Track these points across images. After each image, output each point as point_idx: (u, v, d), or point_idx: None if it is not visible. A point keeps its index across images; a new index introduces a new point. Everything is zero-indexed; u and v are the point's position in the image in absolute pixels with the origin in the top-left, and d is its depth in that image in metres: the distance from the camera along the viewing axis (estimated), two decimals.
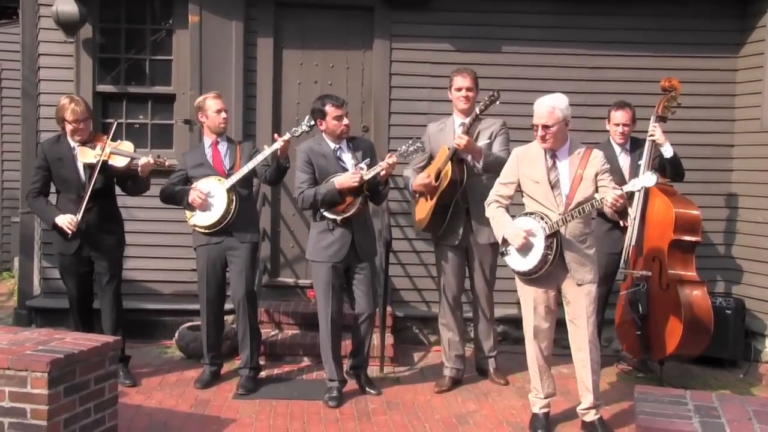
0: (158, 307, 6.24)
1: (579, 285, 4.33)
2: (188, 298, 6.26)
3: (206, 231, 5.09)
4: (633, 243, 5.20)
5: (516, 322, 6.35)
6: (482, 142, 4.99)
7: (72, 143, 4.99)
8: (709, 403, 2.86)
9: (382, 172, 4.73)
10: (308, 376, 5.46)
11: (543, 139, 4.25)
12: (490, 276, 5.24)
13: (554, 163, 4.31)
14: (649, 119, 5.41)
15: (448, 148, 4.94)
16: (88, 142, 4.97)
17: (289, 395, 5.01)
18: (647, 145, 5.31)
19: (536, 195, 4.33)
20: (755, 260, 6.12)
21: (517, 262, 4.35)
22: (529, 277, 4.35)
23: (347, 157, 4.93)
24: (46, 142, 5.15)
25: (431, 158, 5.15)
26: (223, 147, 5.19)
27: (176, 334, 5.88)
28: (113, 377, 3.80)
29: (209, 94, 5.22)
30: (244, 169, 4.98)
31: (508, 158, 4.57)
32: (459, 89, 5.08)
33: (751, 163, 6.22)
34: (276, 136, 4.99)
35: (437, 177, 5.01)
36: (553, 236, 4.22)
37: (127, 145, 5.03)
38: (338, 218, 4.82)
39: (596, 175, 4.25)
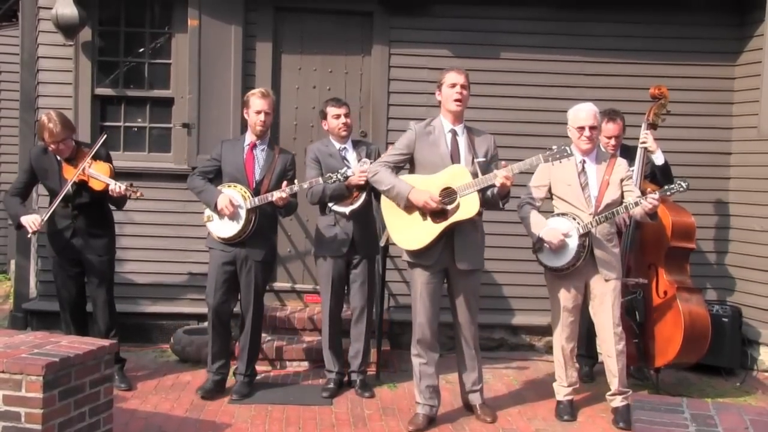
0: (155, 311, 6.23)
1: (606, 281, 4.65)
2: (185, 301, 6.26)
3: (217, 239, 5.03)
4: (628, 251, 5.20)
5: (513, 329, 6.38)
6: (479, 159, 4.50)
7: (58, 158, 4.95)
8: (706, 411, 2.86)
9: None
10: (304, 381, 5.43)
11: (590, 139, 4.65)
12: (473, 303, 4.64)
13: (583, 167, 4.70)
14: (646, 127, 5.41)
15: (473, 173, 4.36)
16: (71, 158, 4.92)
17: (285, 400, 4.98)
18: (639, 152, 5.32)
19: (567, 197, 4.69)
20: (752, 268, 6.11)
21: (550, 258, 4.68)
22: (561, 273, 4.67)
23: (351, 157, 5.13)
24: (34, 151, 5.10)
25: (410, 160, 4.60)
26: (260, 153, 5.06)
27: (172, 338, 5.85)
28: (109, 381, 3.77)
29: (257, 91, 5.04)
30: (269, 196, 4.81)
31: None
32: (453, 85, 4.48)
33: (748, 171, 6.21)
34: (284, 185, 4.84)
35: (448, 199, 4.39)
36: (586, 236, 4.58)
37: (102, 168, 4.90)
38: (346, 211, 5.04)
39: (621, 181, 4.68)
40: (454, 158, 4.49)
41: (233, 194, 4.90)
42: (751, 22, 6.19)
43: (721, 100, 6.37)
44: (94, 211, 5.03)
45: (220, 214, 4.91)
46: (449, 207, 4.39)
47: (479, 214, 4.44)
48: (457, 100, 4.48)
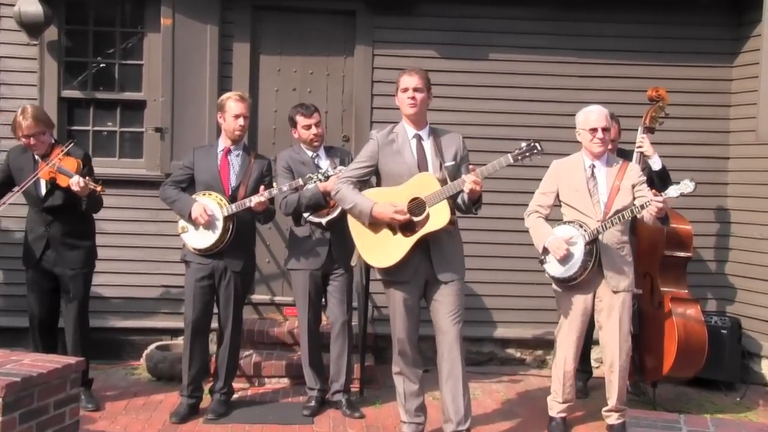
0: (125, 326, 6.16)
1: (614, 292, 4.62)
2: (157, 316, 6.21)
3: (193, 251, 4.97)
4: None
5: (503, 342, 6.37)
6: (447, 163, 4.36)
7: (35, 156, 4.91)
8: (704, 428, 2.85)
9: None
10: (284, 399, 5.39)
11: (602, 141, 4.65)
12: (460, 315, 4.37)
13: (592, 172, 4.70)
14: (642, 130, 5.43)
15: (441, 179, 4.25)
16: (47, 155, 4.87)
17: (264, 419, 4.94)
18: (635, 157, 5.33)
19: (575, 203, 4.68)
20: (751, 277, 6.12)
21: (556, 269, 4.65)
22: (568, 284, 4.65)
23: (325, 165, 5.04)
24: (13, 150, 5.08)
25: (375, 172, 4.47)
26: (235, 159, 5.03)
27: (144, 355, 5.79)
28: (75, 401, 3.71)
29: (233, 94, 5.03)
30: (247, 202, 4.80)
31: None
32: (405, 90, 4.35)
33: (746, 177, 6.24)
34: (262, 188, 4.84)
35: (416, 210, 4.24)
36: (592, 243, 4.56)
37: (70, 163, 4.83)
38: (323, 221, 4.98)
39: (633, 187, 4.66)
40: (422, 166, 4.34)
41: (208, 202, 4.86)
42: (748, 22, 6.23)
43: (718, 102, 6.41)
44: (70, 217, 4.96)
45: (195, 224, 4.86)
46: (418, 218, 4.24)
47: (452, 222, 4.29)
48: (410, 105, 4.34)
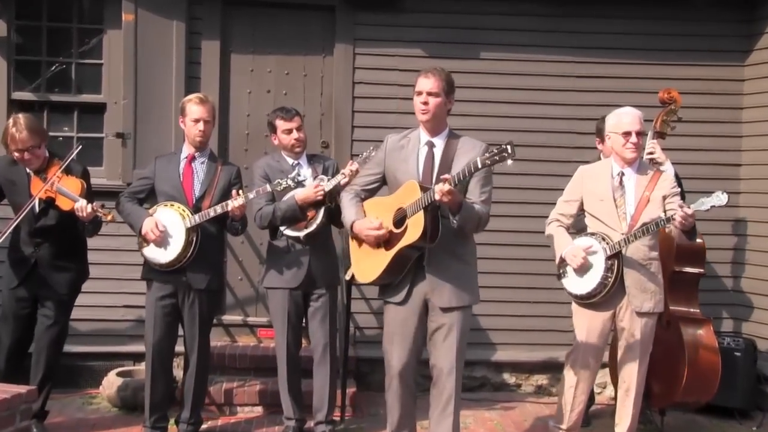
0: (83, 350, 6.08)
1: (637, 313, 4.53)
2: (119, 339, 6.16)
3: (155, 266, 4.91)
4: None
5: (497, 365, 6.34)
6: (455, 174, 4.09)
7: (28, 170, 4.84)
8: None
9: (344, 181, 4.77)
10: (257, 430, 5.35)
11: (636, 146, 4.58)
12: (458, 349, 4.22)
13: (621, 181, 4.63)
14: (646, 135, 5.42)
15: (422, 188, 4.08)
16: (41, 171, 4.80)
17: None
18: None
19: (599, 214, 4.61)
20: (767, 295, 6.12)
21: (574, 284, 4.59)
22: (587, 301, 4.58)
23: (307, 173, 5.03)
24: (3, 160, 5.00)
25: (384, 180, 4.43)
26: (200, 166, 4.99)
27: (103, 382, 5.74)
28: None
29: (194, 96, 4.99)
30: (211, 212, 4.75)
31: (486, 212, 4.21)
32: (419, 93, 4.28)
33: (760, 185, 6.25)
34: (234, 193, 4.75)
35: (398, 222, 4.16)
36: (614, 258, 4.46)
37: (72, 184, 4.76)
38: (301, 235, 4.94)
39: (664, 198, 4.56)
40: (425, 176, 4.23)
41: (168, 214, 4.81)
42: (761, 17, 6.27)
43: (729, 104, 6.42)
44: (61, 238, 4.90)
45: (146, 240, 4.81)
46: (398, 231, 4.13)
47: (424, 235, 4.03)
48: (422, 112, 4.27)
